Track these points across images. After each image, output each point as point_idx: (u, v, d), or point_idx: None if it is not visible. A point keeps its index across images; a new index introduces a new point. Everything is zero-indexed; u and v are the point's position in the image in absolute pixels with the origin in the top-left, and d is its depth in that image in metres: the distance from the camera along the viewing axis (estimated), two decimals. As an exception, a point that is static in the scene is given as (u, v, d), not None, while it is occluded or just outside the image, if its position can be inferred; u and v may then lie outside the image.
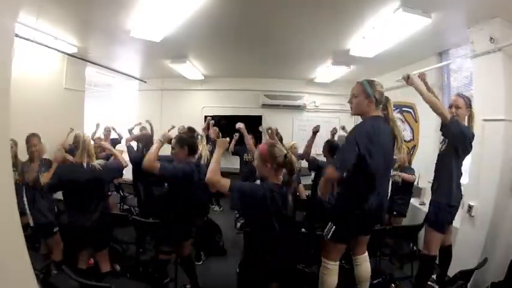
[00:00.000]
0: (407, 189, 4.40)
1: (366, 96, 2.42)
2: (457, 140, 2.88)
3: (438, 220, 2.97)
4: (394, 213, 4.36)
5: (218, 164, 2.17)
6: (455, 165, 2.92)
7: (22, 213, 3.23)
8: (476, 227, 3.29)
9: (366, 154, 2.27)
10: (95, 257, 3.26)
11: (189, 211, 2.95)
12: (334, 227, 2.52)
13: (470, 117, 3.00)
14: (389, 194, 2.60)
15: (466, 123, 2.98)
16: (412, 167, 4.50)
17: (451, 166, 2.92)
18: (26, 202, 3.34)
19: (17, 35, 3.31)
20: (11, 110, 1.47)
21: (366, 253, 2.77)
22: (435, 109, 2.92)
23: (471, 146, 2.92)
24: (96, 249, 3.19)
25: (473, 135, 2.92)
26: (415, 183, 4.90)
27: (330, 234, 2.53)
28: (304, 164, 4.67)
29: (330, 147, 3.96)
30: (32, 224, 3.40)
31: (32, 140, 3.39)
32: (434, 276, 3.33)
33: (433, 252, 3.00)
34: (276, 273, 2.18)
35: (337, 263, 2.62)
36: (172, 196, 2.92)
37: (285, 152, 2.12)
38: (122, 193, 5.47)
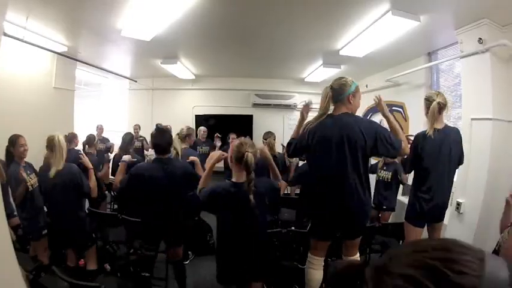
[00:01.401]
0: (396, 185, 4.57)
1: None
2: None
3: (411, 214, 3.00)
4: (384, 207, 4.52)
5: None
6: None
7: (11, 215, 3.21)
8: (465, 224, 3.37)
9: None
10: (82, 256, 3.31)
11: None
12: (309, 223, 2.70)
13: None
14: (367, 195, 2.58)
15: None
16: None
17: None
18: (13, 203, 3.32)
19: (5, 34, 3.27)
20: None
21: (357, 255, 2.75)
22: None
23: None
24: (81, 248, 3.26)
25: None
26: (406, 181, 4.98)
27: (307, 229, 2.71)
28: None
29: None
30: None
31: (20, 139, 3.35)
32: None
33: None
34: (235, 271, 2.26)
35: (322, 258, 2.68)
36: None
37: (247, 150, 2.12)
38: (112, 193, 5.43)
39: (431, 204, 2.87)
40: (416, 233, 2.97)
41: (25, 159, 3.38)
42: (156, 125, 3.05)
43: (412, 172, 3.07)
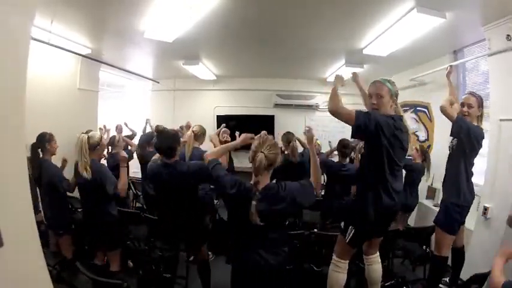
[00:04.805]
0: (415, 183, 4.47)
1: (390, 96, 2.40)
2: (463, 138, 2.84)
3: (447, 221, 2.94)
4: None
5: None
6: (464, 165, 2.89)
7: (36, 210, 3.30)
8: (492, 229, 3.23)
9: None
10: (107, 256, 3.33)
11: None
12: (353, 230, 2.50)
13: (481, 116, 2.94)
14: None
15: (475, 123, 2.91)
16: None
17: (460, 165, 2.91)
18: (40, 200, 3.44)
19: (31, 37, 3.38)
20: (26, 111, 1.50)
21: (378, 253, 2.74)
22: (443, 111, 2.93)
23: (480, 145, 2.85)
24: (107, 249, 3.25)
25: (481, 134, 2.85)
26: (430, 184, 4.86)
27: (348, 238, 2.52)
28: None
29: (343, 145, 4.03)
30: (45, 221, 3.47)
31: (54, 137, 3.48)
32: (447, 279, 3.28)
33: (443, 254, 2.95)
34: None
35: (347, 261, 2.62)
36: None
37: (261, 151, 1.97)
38: (134, 191, 5.50)
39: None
40: None
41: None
42: (156, 126, 2.92)
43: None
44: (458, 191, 2.88)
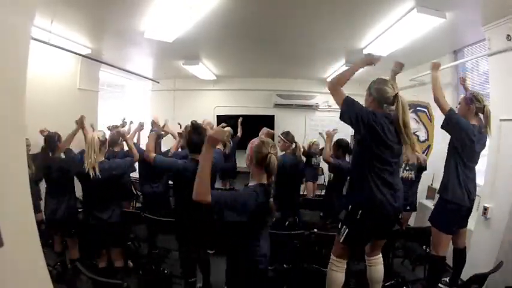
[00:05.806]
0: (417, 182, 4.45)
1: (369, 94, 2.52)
2: (453, 134, 2.82)
3: (439, 217, 2.94)
4: (408, 208, 4.30)
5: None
6: (454, 161, 2.85)
7: (36, 210, 3.30)
8: (492, 229, 3.22)
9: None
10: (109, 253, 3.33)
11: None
12: (347, 230, 2.50)
13: (485, 117, 2.87)
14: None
15: (475, 121, 2.86)
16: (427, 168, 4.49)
17: (449, 161, 2.90)
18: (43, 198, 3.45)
19: (32, 37, 3.39)
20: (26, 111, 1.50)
21: (380, 255, 2.74)
22: (436, 101, 2.91)
23: (471, 141, 2.75)
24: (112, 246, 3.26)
25: (472, 130, 2.75)
26: (430, 184, 4.85)
27: (342, 238, 2.52)
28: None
29: (339, 145, 4.02)
30: (45, 221, 3.47)
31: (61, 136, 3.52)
32: (447, 279, 3.28)
33: (440, 253, 2.92)
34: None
35: (345, 261, 2.62)
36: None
37: (270, 152, 1.93)
38: (134, 191, 5.49)
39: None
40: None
41: None
42: (191, 122, 2.96)
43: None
44: (446, 186, 2.86)
